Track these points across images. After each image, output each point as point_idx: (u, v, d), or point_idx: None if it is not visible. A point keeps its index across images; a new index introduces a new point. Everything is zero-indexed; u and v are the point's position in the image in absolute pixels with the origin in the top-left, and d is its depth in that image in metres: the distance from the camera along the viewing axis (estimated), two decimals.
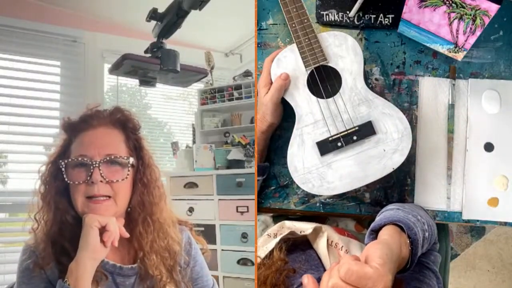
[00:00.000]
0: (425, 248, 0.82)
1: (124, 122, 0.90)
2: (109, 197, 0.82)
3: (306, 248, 0.94)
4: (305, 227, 0.93)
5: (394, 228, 0.78)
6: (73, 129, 0.87)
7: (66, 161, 0.83)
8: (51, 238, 0.83)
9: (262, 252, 0.89)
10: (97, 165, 0.81)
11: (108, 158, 0.83)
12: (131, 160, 0.86)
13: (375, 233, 0.80)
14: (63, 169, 0.82)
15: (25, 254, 0.84)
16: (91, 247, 0.78)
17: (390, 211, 0.86)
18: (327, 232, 0.93)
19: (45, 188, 0.86)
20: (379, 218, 0.83)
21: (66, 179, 0.82)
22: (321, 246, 0.91)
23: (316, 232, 0.94)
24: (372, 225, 0.81)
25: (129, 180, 0.86)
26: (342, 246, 0.92)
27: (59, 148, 0.88)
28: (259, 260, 0.87)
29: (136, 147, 0.90)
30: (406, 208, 0.87)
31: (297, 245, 0.93)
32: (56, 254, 0.81)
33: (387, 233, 0.77)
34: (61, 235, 0.82)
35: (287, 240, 0.92)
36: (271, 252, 0.88)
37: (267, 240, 0.94)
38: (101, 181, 0.81)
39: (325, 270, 0.88)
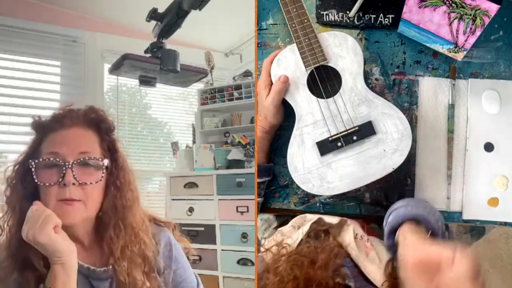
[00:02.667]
0: (440, 235, 0.84)
1: (98, 123, 0.86)
2: (80, 200, 0.79)
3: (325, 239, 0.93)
4: (329, 219, 0.94)
5: (411, 225, 0.80)
6: (44, 128, 0.83)
7: (36, 161, 0.78)
8: (14, 246, 0.76)
9: (291, 241, 0.89)
10: (70, 166, 0.77)
11: (81, 159, 0.79)
12: (106, 161, 0.83)
13: (393, 233, 0.81)
14: (33, 170, 0.78)
15: None
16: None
17: (400, 209, 0.87)
18: (353, 225, 0.93)
19: (11, 191, 0.81)
20: (393, 217, 0.84)
21: (36, 180, 0.78)
22: (347, 238, 0.91)
23: (341, 225, 0.94)
24: (388, 227, 0.83)
25: (102, 183, 0.82)
26: (368, 239, 0.92)
27: (28, 148, 0.83)
28: (288, 248, 0.86)
29: (111, 149, 0.86)
30: (412, 202, 0.88)
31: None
32: (18, 266, 0.75)
33: (408, 231, 0.79)
34: (25, 244, 0.75)
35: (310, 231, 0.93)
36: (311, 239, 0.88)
37: (292, 231, 0.93)
38: (73, 184, 0.77)
39: (352, 260, 0.88)
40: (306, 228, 0.91)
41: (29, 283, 0.75)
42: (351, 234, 0.91)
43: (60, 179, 0.77)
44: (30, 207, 0.76)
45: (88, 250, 0.85)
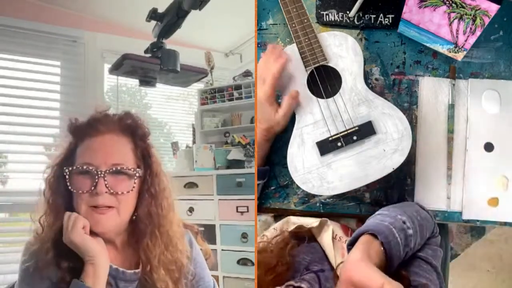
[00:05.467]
0: (414, 244, 0.82)
1: (133, 129, 0.86)
2: (113, 207, 0.80)
3: (310, 241, 0.94)
4: (310, 221, 0.94)
5: (366, 238, 0.78)
6: (80, 132, 0.84)
7: (70, 169, 0.80)
8: (55, 243, 0.80)
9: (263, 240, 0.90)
10: (102, 175, 0.78)
11: (114, 169, 0.80)
12: (139, 171, 0.83)
13: (352, 246, 0.81)
14: (67, 177, 0.80)
15: (26, 255, 0.81)
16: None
17: (370, 219, 0.86)
18: (332, 226, 0.94)
19: (49, 191, 0.83)
20: (358, 229, 0.82)
21: (69, 187, 0.80)
22: (326, 238, 0.91)
23: (321, 226, 0.94)
24: (348, 241, 0.82)
25: (135, 190, 0.83)
26: (346, 240, 0.92)
27: (64, 151, 0.84)
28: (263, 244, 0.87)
29: (145, 156, 0.86)
30: (387, 211, 0.86)
31: (301, 238, 0.94)
32: (57, 258, 0.79)
33: (359, 244, 0.77)
34: (63, 244, 0.79)
35: (293, 233, 0.94)
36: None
37: (273, 233, 0.94)
38: (106, 192, 0.78)
39: (329, 262, 0.88)
40: (286, 233, 0.92)
41: (66, 270, 0.78)
42: (329, 234, 0.92)
43: (93, 188, 0.78)
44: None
45: (120, 251, 0.85)
